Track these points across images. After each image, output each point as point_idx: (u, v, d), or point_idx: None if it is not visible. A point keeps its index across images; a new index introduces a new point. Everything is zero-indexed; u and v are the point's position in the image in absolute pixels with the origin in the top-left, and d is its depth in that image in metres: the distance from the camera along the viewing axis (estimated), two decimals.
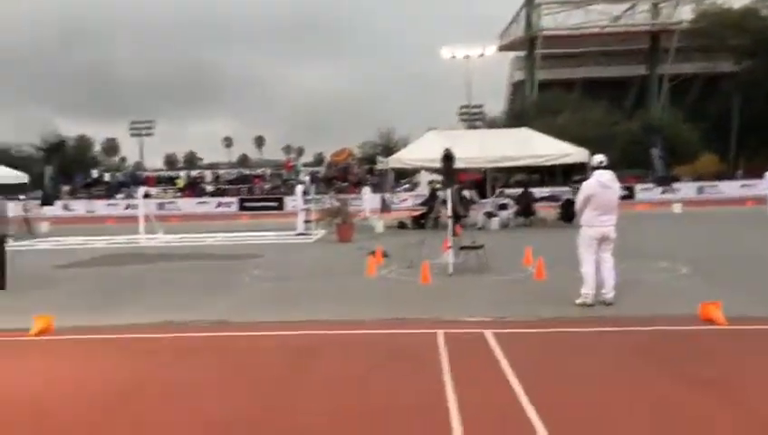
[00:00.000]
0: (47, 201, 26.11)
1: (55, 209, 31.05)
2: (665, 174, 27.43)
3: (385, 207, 22.58)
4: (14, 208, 31.08)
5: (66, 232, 23.07)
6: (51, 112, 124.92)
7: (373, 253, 12.46)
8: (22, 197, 29.71)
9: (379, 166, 26.26)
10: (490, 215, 21.09)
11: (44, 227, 23.93)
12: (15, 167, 29.80)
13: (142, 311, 8.15)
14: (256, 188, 50.07)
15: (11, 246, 18.01)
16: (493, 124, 54.89)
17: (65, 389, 5.23)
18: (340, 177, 50.89)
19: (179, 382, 5.32)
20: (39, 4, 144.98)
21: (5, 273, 10.44)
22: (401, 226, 21.34)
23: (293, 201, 23.72)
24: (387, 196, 23.62)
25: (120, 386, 5.21)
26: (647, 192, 40.30)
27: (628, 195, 41.99)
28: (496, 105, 74.70)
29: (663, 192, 33.68)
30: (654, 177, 29.06)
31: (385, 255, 12.91)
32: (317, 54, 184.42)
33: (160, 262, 13.76)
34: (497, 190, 25.47)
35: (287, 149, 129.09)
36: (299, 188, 20.80)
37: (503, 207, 22.20)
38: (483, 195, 23.69)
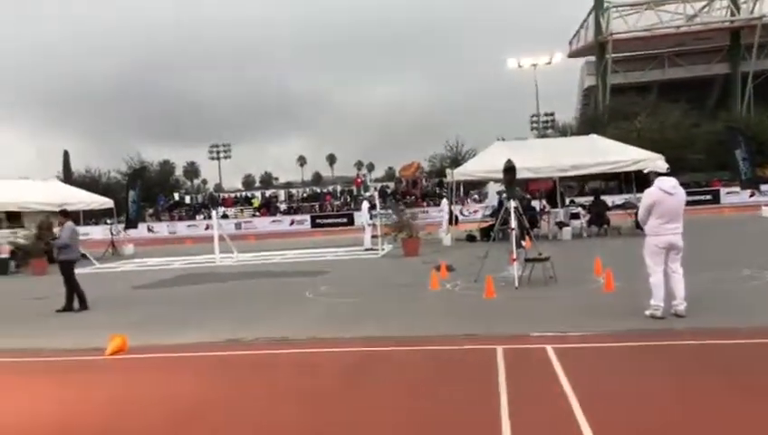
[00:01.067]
0: (131, 224, 27.52)
1: (140, 232, 32.73)
2: (750, 176, 25.78)
3: (452, 220, 22.42)
4: (102, 232, 33.05)
5: (149, 253, 24.27)
6: (135, 140, 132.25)
7: (438, 267, 12.39)
8: (109, 221, 31.60)
9: (447, 179, 26.16)
10: (561, 225, 20.55)
11: (129, 248, 25.24)
12: (104, 193, 31.78)
13: (212, 329, 8.42)
14: (327, 205, 50.95)
15: (97, 268, 19.18)
16: (564, 132, 53.61)
17: (135, 407, 5.45)
18: (409, 191, 51.04)
19: (245, 400, 5.44)
20: (122, 40, 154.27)
21: (75, 295, 10.90)
22: (470, 238, 21.13)
23: (361, 217, 23.93)
24: (454, 208, 23.43)
25: (187, 403, 5.38)
26: (733, 196, 38.15)
27: (714, 199, 40.00)
28: (568, 112, 72.96)
29: (751, 195, 31.72)
30: (739, 179, 27.42)
31: (450, 269, 12.80)
32: (387, 69, 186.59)
33: (232, 281, 14.21)
34: (568, 199, 24.81)
35: (358, 165, 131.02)
36: (365, 205, 21.00)
37: (574, 216, 21.59)
38: (554, 204, 23.12)
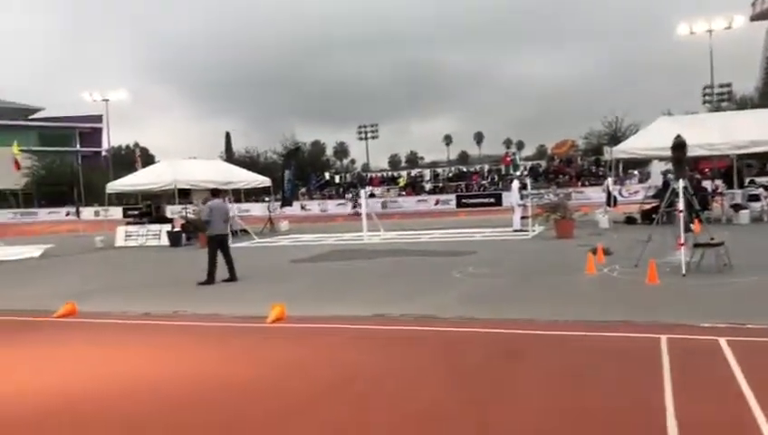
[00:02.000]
0: (287, 202, 29.35)
1: (294, 209, 34.83)
2: None
3: (611, 201, 21.28)
4: (260, 209, 35.59)
5: (302, 230, 25.78)
6: (290, 121, 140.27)
7: (594, 250, 11.87)
8: (267, 198, 33.94)
9: (605, 157, 24.81)
10: (738, 207, 18.74)
11: (285, 225, 26.97)
12: (262, 172, 34.16)
13: (361, 303, 8.81)
14: (474, 185, 50.61)
15: (257, 242, 20.76)
16: (743, 104, 48.42)
17: (296, 371, 5.88)
18: (562, 170, 49.13)
19: (394, 371, 5.65)
20: (280, 27, 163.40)
21: (233, 267, 11.91)
22: (629, 220, 19.97)
23: (510, 197, 23.49)
24: (612, 188, 22.21)
25: (340, 371, 5.71)
26: None
27: None
28: (747, 83, 65.62)
29: None
30: None
31: (607, 252, 12.21)
32: (538, 43, 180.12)
33: (380, 258, 14.68)
34: (747, 179, 22.51)
35: (507, 143, 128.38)
36: (515, 184, 20.57)
37: (753, 198, 19.56)
38: (730, 185, 21.11)
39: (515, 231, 19.20)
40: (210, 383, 5.52)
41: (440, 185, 52.74)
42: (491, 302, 8.63)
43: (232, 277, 11.79)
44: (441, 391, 4.97)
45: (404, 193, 51.17)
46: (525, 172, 45.74)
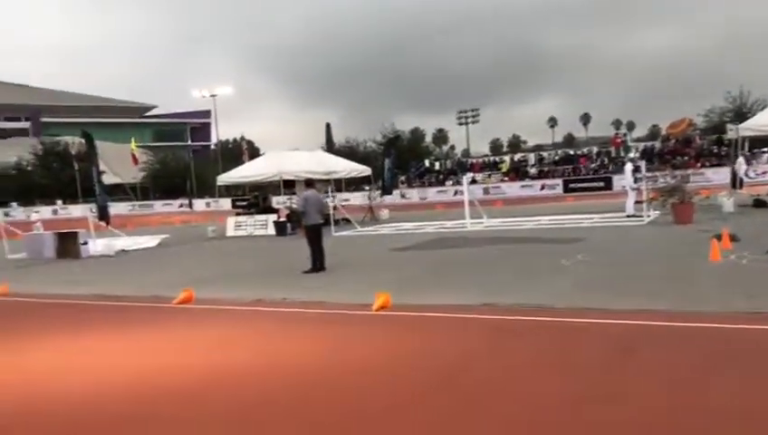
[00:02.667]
0: (386, 190, 29.69)
1: (393, 197, 35.17)
2: None
3: (737, 183, 19.81)
4: (361, 198, 36.19)
5: (402, 218, 25.96)
6: (389, 110, 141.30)
7: (719, 236, 11.11)
8: (366, 187, 34.49)
9: (729, 135, 23.11)
10: None
11: (385, 213, 27.28)
12: (361, 161, 34.71)
13: (468, 291, 8.73)
14: (582, 169, 48.81)
15: (358, 231, 21.15)
16: None
17: (401, 360, 5.94)
18: (679, 150, 46.31)
19: (505, 363, 5.57)
20: (376, 17, 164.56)
21: (324, 256, 12.11)
22: (758, 204, 18.52)
23: (622, 180, 22.43)
24: (738, 169, 20.66)
25: (450, 362, 5.70)
26: None
27: None
28: None
29: None
30: None
31: (734, 238, 11.39)
32: (644, 16, 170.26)
33: (484, 245, 14.49)
34: None
35: (616, 124, 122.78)
36: (628, 166, 19.59)
37: None
38: None
39: (628, 216, 18.33)
40: (327, 372, 5.68)
41: (545, 169, 51.31)
42: (603, 291, 8.28)
43: (321, 267, 12.03)
44: (554, 385, 4.84)
45: (507, 178, 50.25)
46: (637, 154, 43.46)
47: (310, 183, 13.69)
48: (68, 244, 18.64)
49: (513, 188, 45.74)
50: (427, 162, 62.29)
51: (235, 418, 4.60)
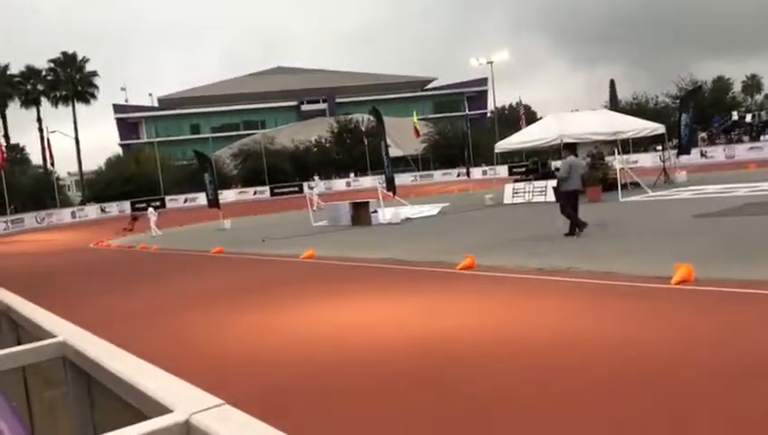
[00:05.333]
0: (684, 150, 26.85)
1: (692, 157, 31.70)
2: None
3: None
4: (651, 159, 33.35)
5: (704, 180, 23.32)
6: (686, 60, 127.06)
7: None
8: (658, 147, 31.69)
9: None
10: None
11: (682, 175, 24.79)
12: (652, 119, 31.96)
13: None
14: None
15: (650, 196, 19.57)
16: None
17: (705, 349, 5.36)
18: None
19: None
20: None
21: (578, 222, 12.09)
22: None
23: None
24: None
25: (761, 352, 4.99)
26: None
27: None
28: None
29: None
30: None
31: None
32: None
33: None
34: None
35: None
36: None
37: None
38: None
39: None
40: (620, 350, 5.42)
41: None
42: None
43: (572, 231, 12.16)
44: None
45: None
46: None
47: (572, 148, 13.79)
48: (361, 212, 20.75)
49: None
50: (735, 115, 54.78)
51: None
